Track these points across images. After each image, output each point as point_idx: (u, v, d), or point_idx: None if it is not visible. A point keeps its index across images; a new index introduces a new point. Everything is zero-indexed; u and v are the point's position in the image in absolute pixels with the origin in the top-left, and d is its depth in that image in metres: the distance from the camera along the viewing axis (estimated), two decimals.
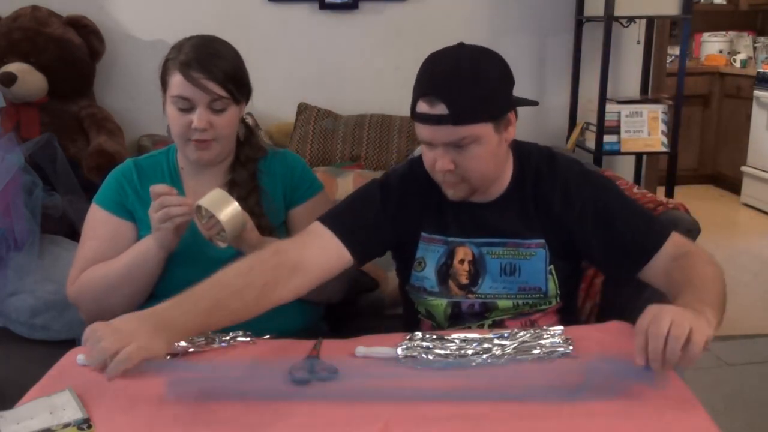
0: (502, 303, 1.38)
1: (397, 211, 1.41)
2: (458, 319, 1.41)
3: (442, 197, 1.39)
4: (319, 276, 1.31)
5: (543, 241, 1.37)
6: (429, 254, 1.41)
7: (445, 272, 1.40)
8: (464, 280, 1.39)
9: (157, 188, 1.35)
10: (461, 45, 1.29)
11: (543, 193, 1.37)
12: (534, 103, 1.41)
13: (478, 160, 1.28)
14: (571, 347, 1.18)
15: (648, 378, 1.03)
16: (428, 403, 1.04)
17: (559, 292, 1.38)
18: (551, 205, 1.36)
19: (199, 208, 1.33)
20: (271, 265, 1.25)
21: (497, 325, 1.40)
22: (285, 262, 1.26)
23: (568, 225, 1.36)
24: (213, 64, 1.40)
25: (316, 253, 1.31)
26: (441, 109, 1.23)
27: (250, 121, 2.47)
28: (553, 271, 1.37)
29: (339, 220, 1.37)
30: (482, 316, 1.40)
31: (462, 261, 1.39)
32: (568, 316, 1.44)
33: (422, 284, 1.42)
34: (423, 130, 1.28)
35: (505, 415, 1.01)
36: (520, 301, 1.38)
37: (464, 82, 1.23)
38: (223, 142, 1.46)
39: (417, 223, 1.42)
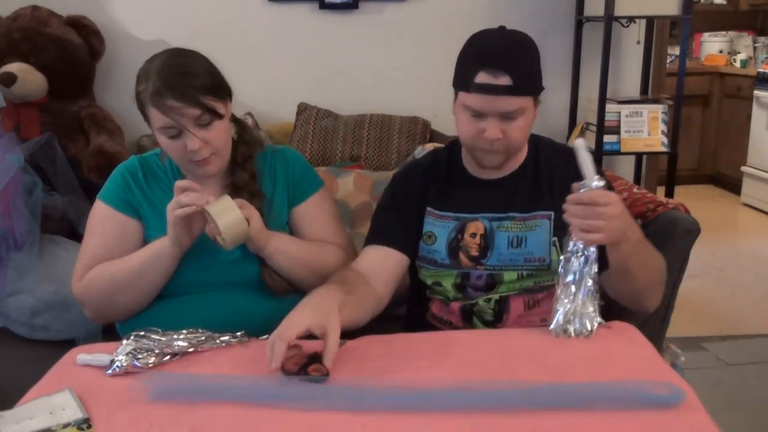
0: (508, 275, 1.43)
1: (405, 197, 1.50)
2: (464, 290, 1.45)
3: (452, 176, 1.49)
4: (389, 280, 1.43)
5: (550, 213, 1.42)
6: (439, 229, 1.47)
7: (455, 246, 1.45)
8: (474, 253, 1.44)
9: (181, 183, 1.35)
10: (504, 28, 1.39)
11: (556, 175, 1.44)
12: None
13: (520, 131, 1.37)
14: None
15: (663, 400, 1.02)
16: (427, 403, 1.04)
17: None
18: (565, 191, 1.38)
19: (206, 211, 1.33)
20: (353, 271, 1.40)
21: (502, 302, 1.43)
22: (359, 270, 1.41)
23: None
24: (184, 86, 1.36)
25: (377, 261, 1.44)
26: (505, 80, 1.31)
27: (249, 120, 2.47)
28: (557, 244, 1.41)
29: (375, 234, 1.49)
30: (487, 290, 1.44)
31: (474, 235, 1.45)
32: None
33: (432, 256, 1.47)
34: (479, 100, 1.34)
35: (504, 415, 1.01)
36: (525, 272, 1.42)
37: (523, 57, 1.35)
38: (222, 152, 1.45)
39: (422, 199, 1.49)
